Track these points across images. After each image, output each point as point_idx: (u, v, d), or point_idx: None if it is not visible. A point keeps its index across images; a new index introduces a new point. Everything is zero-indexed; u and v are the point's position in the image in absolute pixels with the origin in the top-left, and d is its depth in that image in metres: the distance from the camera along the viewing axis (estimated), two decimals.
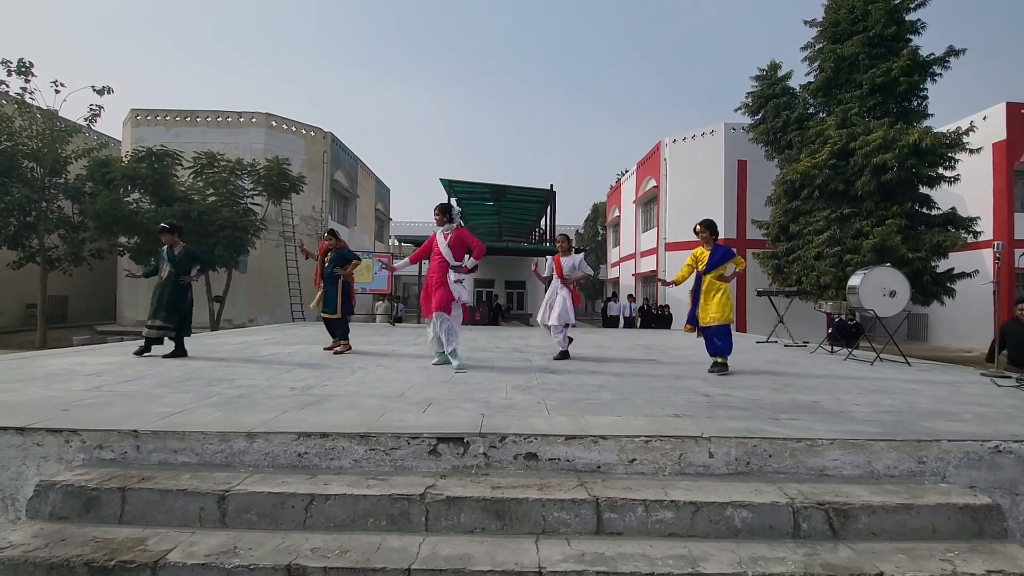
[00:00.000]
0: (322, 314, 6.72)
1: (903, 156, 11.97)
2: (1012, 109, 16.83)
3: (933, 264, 12.44)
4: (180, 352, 5.83)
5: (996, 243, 6.30)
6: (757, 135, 15.61)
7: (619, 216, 29.05)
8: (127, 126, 20.36)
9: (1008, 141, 16.67)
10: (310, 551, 2.08)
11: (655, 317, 16.38)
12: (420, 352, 6.86)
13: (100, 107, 15.75)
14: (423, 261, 5.70)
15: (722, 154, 19.32)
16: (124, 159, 16.18)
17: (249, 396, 3.66)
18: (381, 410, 3.26)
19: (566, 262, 6.46)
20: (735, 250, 5.86)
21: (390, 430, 2.74)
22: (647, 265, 23.47)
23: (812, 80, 14.81)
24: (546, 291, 6.61)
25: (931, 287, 12.38)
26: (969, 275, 12.64)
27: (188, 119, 19.93)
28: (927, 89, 13.30)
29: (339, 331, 6.75)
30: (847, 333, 9.06)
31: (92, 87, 15.50)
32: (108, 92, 15.71)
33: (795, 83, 15.14)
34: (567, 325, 6.35)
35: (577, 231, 43.84)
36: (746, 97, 15.62)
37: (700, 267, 5.55)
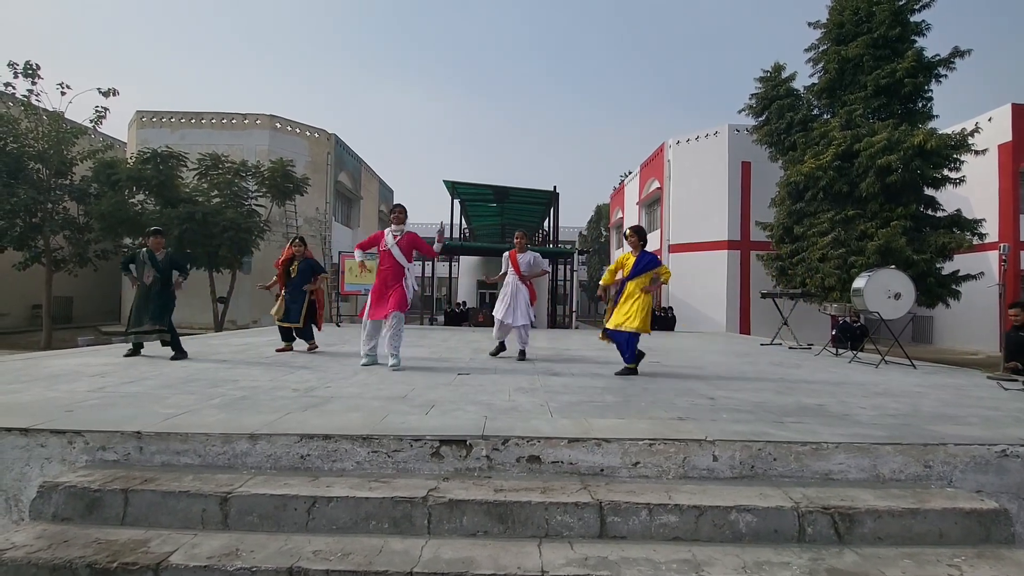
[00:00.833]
0: (281, 323, 6.62)
1: (908, 158, 11.92)
2: (1018, 110, 16.75)
3: (938, 266, 12.37)
4: (182, 353, 5.81)
5: (1002, 245, 6.27)
6: (761, 136, 15.57)
7: (622, 218, 29.03)
8: (132, 128, 20.48)
9: (1014, 143, 16.58)
10: (312, 553, 2.07)
11: (658, 319, 16.33)
12: (423, 354, 6.86)
13: (106, 109, 15.88)
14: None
15: (726, 155, 19.27)
16: (129, 161, 16.29)
17: (252, 397, 3.66)
18: (384, 412, 3.26)
19: (522, 259, 6.45)
20: (662, 260, 5.67)
21: (393, 432, 2.74)
22: None
23: (816, 82, 14.76)
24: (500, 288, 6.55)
25: (936, 289, 12.30)
26: (974, 277, 12.56)
27: (193, 121, 20.04)
28: (932, 90, 13.25)
29: (307, 336, 6.75)
30: (851, 335, 9.02)
31: (98, 89, 15.62)
32: (114, 94, 15.81)
33: (799, 84, 15.11)
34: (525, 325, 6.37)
35: (580, 232, 43.82)
36: (750, 98, 15.59)
37: (624, 272, 5.36)
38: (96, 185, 15.65)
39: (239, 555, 2.05)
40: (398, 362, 5.23)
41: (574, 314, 24.74)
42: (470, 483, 2.50)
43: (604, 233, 38.51)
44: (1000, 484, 2.65)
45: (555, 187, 19.77)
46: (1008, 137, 16.60)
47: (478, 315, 21.71)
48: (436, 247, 5.63)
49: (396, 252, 5.27)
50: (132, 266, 5.95)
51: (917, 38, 13.26)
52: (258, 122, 20.16)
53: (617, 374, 5.23)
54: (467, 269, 31.97)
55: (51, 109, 15.38)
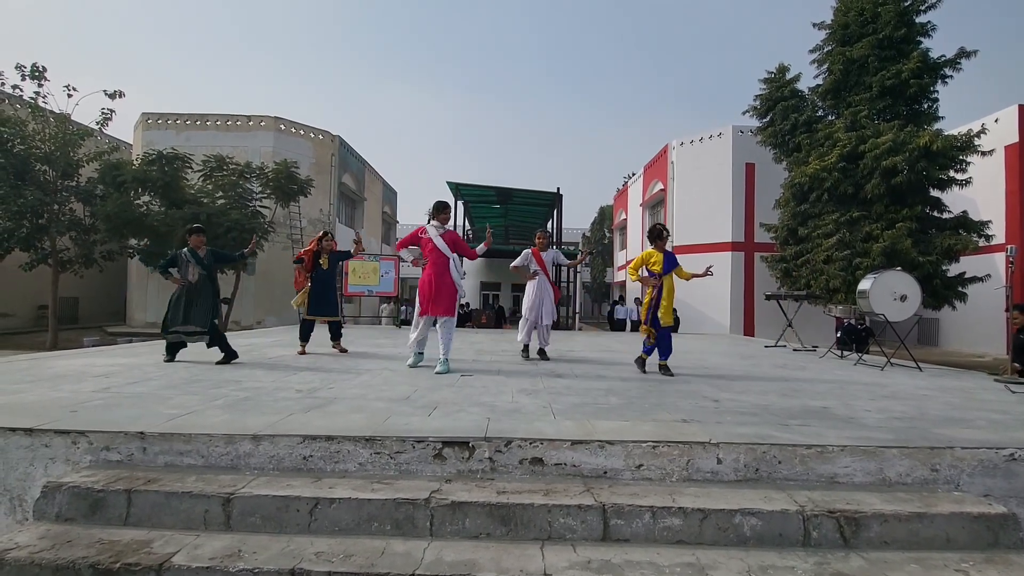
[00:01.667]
0: (320, 318, 6.57)
1: (913, 159, 11.84)
2: None
3: (944, 268, 12.28)
4: (231, 353, 5.55)
5: (1009, 247, 6.22)
6: (765, 138, 15.51)
7: (626, 219, 28.98)
8: (138, 130, 20.59)
9: (1021, 144, 16.44)
10: (314, 555, 2.07)
11: None
12: (425, 356, 6.85)
13: (112, 111, 15.96)
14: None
15: (730, 157, 19.21)
16: (135, 162, 16.36)
17: (255, 398, 3.67)
18: (387, 413, 3.25)
19: (546, 256, 6.51)
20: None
21: (395, 434, 2.73)
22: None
23: (821, 83, 14.70)
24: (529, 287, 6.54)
25: (942, 291, 12.22)
26: (981, 279, 12.47)
27: (198, 123, 20.14)
28: (938, 91, 13.16)
29: (337, 331, 6.77)
30: (856, 337, 8.97)
31: (104, 91, 15.71)
32: (120, 96, 15.91)
33: (804, 86, 15.05)
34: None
35: (584, 234, 43.78)
36: (754, 100, 15.53)
37: (656, 268, 5.54)
38: (102, 186, 15.73)
39: (241, 556, 2.05)
40: (446, 366, 5.26)
41: (577, 315, 24.72)
42: (473, 485, 2.49)
43: (608, 235, 38.47)
44: (1008, 488, 2.62)
45: (558, 188, 19.81)
46: (1015, 138, 16.47)
47: (481, 316, 21.72)
48: (480, 248, 5.68)
49: (440, 243, 5.28)
50: (173, 269, 5.68)
51: (923, 39, 13.18)
52: (262, 124, 20.23)
53: (665, 373, 5.43)
54: (470, 270, 31.95)
55: (58, 111, 15.48)
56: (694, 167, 20.39)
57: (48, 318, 15.74)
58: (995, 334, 15.73)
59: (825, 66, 14.50)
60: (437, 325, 5.34)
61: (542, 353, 6.52)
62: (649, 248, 5.80)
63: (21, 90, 15.07)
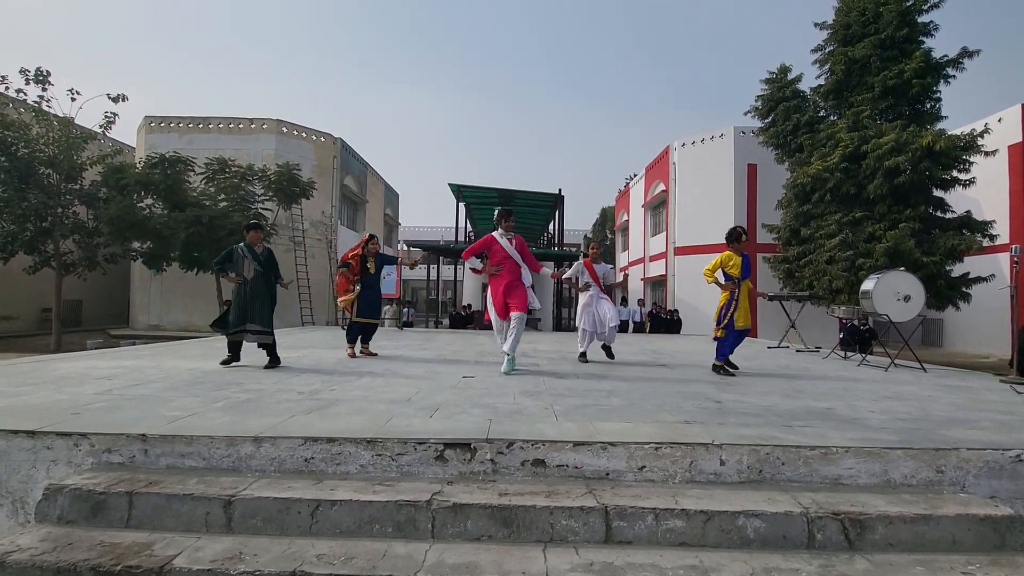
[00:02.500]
0: (367, 320, 6.54)
1: (916, 159, 11.82)
2: None
3: (948, 268, 12.24)
4: (276, 360, 5.45)
5: (1013, 247, 6.19)
6: (767, 138, 15.50)
7: (628, 220, 28.97)
8: (141, 133, 20.68)
9: None
10: (315, 557, 2.06)
11: (664, 322, 16.25)
12: (428, 356, 6.85)
13: (115, 115, 16.05)
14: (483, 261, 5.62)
15: (731, 157, 19.19)
16: (138, 165, 16.44)
17: (257, 400, 3.67)
18: (388, 415, 3.25)
19: (599, 269, 6.54)
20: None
21: (397, 435, 2.73)
22: (656, 270, 23.34)
23: (823, 83, 14.69)
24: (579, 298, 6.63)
25: (946, 292, 12.17)
26: (985, 279, 12.42)
27: (200, 126, 20.21)
28: (940, 91, 13.15)
29: (369, 337, 6.76)
30: (859, 338, 8.93)
31: (107, 95, 15.82)
32: (123, 100, 16.02)
33: (805, 86, 15.04)
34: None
35: (585, 235, 43.76)
36: (756, 100, 15.53)
37: (734, 272, 5.51)
38: (105, 189, 15.81)
39: (243, 558, 2.04)
40: (512, 362, 5.32)
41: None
42: (474, 487, 2.48)
43: (609, 236, 38.44)
44: (1015, 490, 2.60)
45: (560, 190, 19.81)
46: (1018, 138, 16.40)
47: (483, 318, 21.71)
48: (545, 270, 5.69)
49: (512, 252, 5.35)
50: (228, 264, 5.50)
51: (925, 39, 13.17)
52: (264, 127, 20.30)
53: (732, 374, 5.55)
54: (472, 272, 31.90)
55: (61, 115, 15.56)
56: (696, 168, 20.37)
57: (52, 321, 15.81)
58: (1000, 335, 15.64)
59: (827, 66, 14.49)
60: (511, 319, 5.32)
61: (607, 350, 6.60)
62: (726, 251, 5.70)
63: (25, 94, 15.19)
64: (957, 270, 12.55)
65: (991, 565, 2.14)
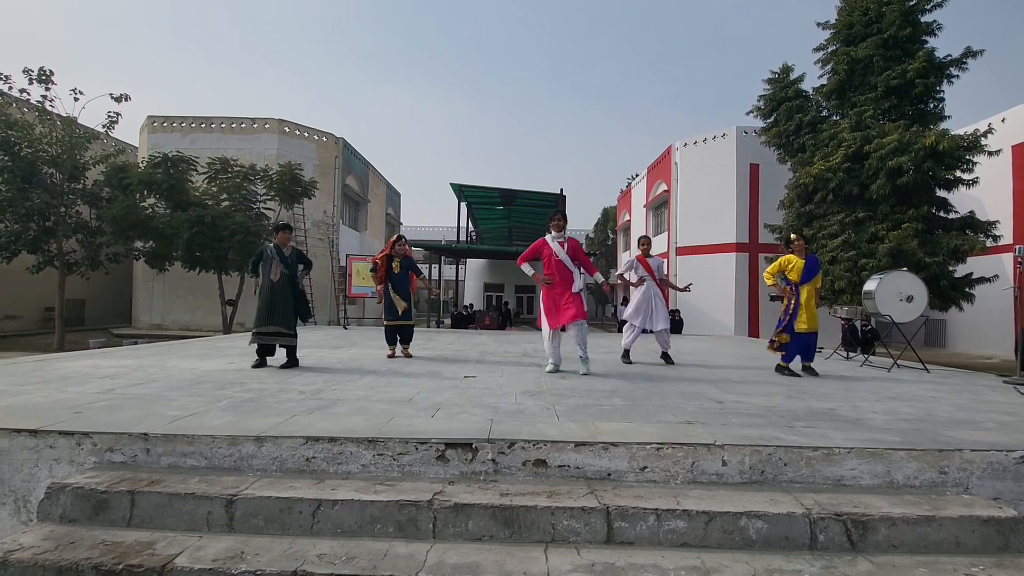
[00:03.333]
0: (400, 322, 6.52)
1: (919, 159, 11.76)
2: None
3: (951, 269, 12.19)
4: (295, 361, 5.46)
5: (1017, 247, 6.16)
6: (769, 138, 15.46)
7: (629, 220, 28.92)
8: (144, 133, 20.72)
9: None
10: (316, 557, 2.06)
11: None
12: (429, 356, 6.85)
13: (118, 114, 16.10)
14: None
15: (734, 158, 19.15)
16: (140, 165, 16.47)
17: (259, 400, 3.67)
18: (389, 415, 3.25)
19: (652, 263, 6.50)
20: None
21: (398, 435, 2.73)
22: None
23: (825, 83, 14.64)
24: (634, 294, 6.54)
25: (949, 292, 12.12)
26: (988, 280, 12.36)
27: (203, 126, 20.25)
28: (943, 91, 13.08)
29: (410, 336, 6.73)
30: (861, 338, 8.90)
31: (110, 95, 15.86)
32: (126, 99, 16.05)
33: (808, 86, 14.99)
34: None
35: (587, 235, 43.72)
36: (758, 100, 15.48)
37: (793, 276, 5.45)
38: (108, 189, 15.85)
39: (244, 558, 2.04)
40: (587, 366, 5.35)
41: None
42: (476, 487, 2.48)
43: (611, 236, 38.40)
44: (1019, 491, 2.59)
45: (561, 190, 19.83)
46: (1022, 138, 16.35)
47: (484, 317, 21.72)
48: (599, 279, 5.51)
49: (564, 258, 5.27)
50: (261, 264, 5.48)
51: (928, 38, 13.10)
52: (267, 126, 20.33)
53: (810, 374, 5.59)
54: (474, 272, 31.98)
55: (64, 115, 15.61)
56: (698, 168, 20.33)
57: (55, 320, 15.86)
58: (1003, 335, 15.58)
59: (829, 66, 14.43)
60: (570, 329, 5.28)
61: (666, 357, 6.49)
62: (787, 254, 5.68)
63: (28, 94, 15.22)
64: (960, 271, 12.50)
65: (995, 567, 2.13)
